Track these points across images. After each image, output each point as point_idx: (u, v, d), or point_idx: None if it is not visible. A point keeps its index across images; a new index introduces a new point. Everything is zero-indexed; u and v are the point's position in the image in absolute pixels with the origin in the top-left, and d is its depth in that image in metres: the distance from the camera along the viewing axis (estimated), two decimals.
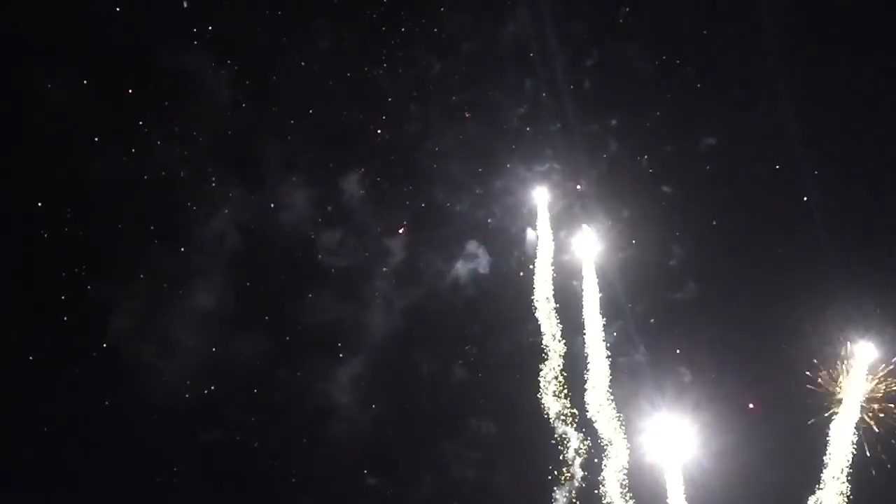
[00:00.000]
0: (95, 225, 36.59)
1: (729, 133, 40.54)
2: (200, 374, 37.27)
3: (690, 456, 37.62)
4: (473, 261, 41.63)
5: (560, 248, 41.19)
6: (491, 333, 40.95)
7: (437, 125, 41.67)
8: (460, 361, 40.43)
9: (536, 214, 41.11)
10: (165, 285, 37.47)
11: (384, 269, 40.89)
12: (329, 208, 40.45)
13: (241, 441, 38.17)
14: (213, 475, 37.43)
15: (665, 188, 40.98)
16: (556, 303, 40.04)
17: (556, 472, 38.58)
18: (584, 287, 39.99)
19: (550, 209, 41.18)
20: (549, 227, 41.06)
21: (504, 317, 41.10)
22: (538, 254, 41.02)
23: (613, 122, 41.73)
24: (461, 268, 41.53)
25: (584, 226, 40.60)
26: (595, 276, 40.12)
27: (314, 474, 38.56)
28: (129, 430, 35.78)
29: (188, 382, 37.06)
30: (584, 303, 39.81)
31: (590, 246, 40.34)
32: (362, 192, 40.77)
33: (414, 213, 41.61)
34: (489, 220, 41.99)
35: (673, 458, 37.67)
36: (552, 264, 40.76)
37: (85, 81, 36.60)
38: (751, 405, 38.60)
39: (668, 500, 37.55)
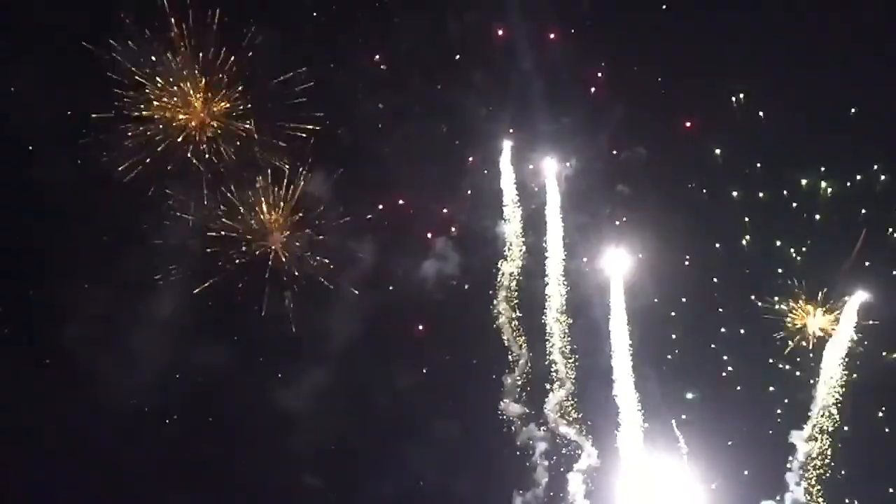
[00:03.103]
0: (50, 229, 36.16)
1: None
2: (158, 381, 37.00)
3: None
4: (441, 262, 41.23)
5: (530, 248, 40.97)
6: (457, 337, 40.61)
7: (404, 124, 41.17)
8: (424, 367, 40.30)
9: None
10: (122, 291, 37.06)
11: (349, 271, 40.42)
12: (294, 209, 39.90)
13: (200, 448, 38.11)
14: (172, 483, 37.28)
15: (622, 187, 40.44)
16: (520, 311, 39.88)
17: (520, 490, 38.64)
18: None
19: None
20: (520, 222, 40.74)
21: (471, 320, 40.84)
22: (507, 254, 40.73)
23: (582, 118, 41.14)
24: (428, 268, 41.13)
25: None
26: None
27: (274, 481, 38.57)
28: (83, 440, 35.60)
29: (145, 390, 36.84)
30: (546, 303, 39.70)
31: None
32: (326, 193, 40.24)
33: (380, 214, 41.12)
34: (458, 220, 41.60)
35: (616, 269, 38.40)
36: (519, 266, 40.53)
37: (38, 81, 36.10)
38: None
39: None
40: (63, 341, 35.95)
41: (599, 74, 41.19)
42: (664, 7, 39.59)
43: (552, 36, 40.67)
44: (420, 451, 39.07)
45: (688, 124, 40.29)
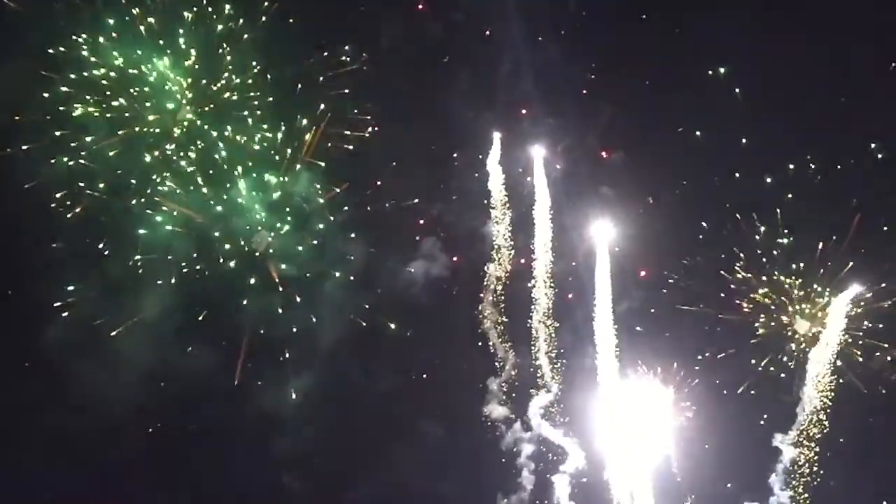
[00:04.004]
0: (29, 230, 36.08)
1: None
2: (142, 384, 36.92)
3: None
4: (429, 263, 41.09)
5: (517, 250, 40.81)
6: (444, 340, 40.51)
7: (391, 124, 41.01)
8: (412, 372, 40.27)
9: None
10: (105, 292, 36.92)
11: (337, 273, 40.26)
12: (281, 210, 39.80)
13: (186, 451, 38.09)
14: (158, 487, 37.32)
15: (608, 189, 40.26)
16: (507, 314, 39.79)
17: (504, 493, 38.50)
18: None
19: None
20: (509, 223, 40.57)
21: (458, 323, 40.70)
22: (495, 256, 40.59)
23: (570, 115, 40.98)
24: (416, 270, 40.98)
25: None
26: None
27: (259, 483, 38.57)
28: (66, 444, 35.64)
29: (129, 393, 36.66)
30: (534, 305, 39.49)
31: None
32: (315, 193, 40.09)
33: (368, 213, 40.99)
34: (446, 220, 41.46)
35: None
36: (507, 269, 40.39)
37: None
38: None
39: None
40: (44, 344, 35.95)
41: (593, 76, 41.25)
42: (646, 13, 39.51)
43: (541, 38, 40.63)
44: (405, 453, 39.00)
45: (680, 129, 40.16)
